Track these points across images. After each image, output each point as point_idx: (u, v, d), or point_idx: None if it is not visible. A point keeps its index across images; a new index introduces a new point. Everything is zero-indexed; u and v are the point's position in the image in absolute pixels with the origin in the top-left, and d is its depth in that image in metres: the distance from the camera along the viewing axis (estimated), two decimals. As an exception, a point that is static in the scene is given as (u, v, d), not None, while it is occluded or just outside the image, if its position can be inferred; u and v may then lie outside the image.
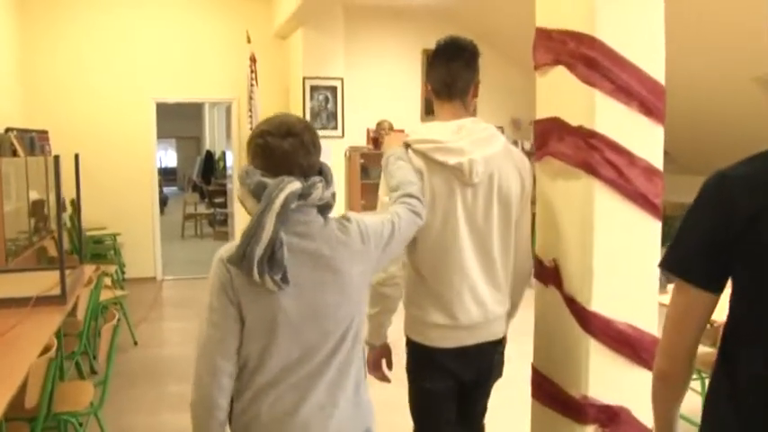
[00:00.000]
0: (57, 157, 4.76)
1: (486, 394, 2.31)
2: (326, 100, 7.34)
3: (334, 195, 1.66)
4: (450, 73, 2.11)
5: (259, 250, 1.48)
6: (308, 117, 7.25)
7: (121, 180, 7.69)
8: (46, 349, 2.81)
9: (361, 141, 8.31)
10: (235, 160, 8.08)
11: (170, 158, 23.70)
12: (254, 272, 1.49)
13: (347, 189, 7.78)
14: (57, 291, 3.62)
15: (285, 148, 1.58)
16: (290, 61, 7.93)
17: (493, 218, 2.09)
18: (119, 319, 3.31)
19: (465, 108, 2.16)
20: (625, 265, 2.17)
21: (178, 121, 19.40)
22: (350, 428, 1.69)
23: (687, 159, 8.51)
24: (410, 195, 1.92)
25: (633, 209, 2.14)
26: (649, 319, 2.20)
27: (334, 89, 7.36)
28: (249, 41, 7.45)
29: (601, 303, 2.14)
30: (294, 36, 7.67)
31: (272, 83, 7.94)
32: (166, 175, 22.53)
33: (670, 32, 2.24)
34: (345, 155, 7.90)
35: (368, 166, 8.24)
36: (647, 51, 2.15)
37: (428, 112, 8.68)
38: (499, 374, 2.29)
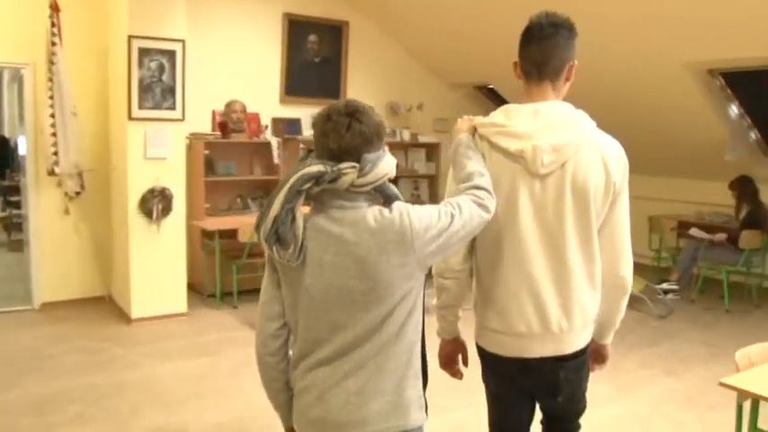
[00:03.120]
0: None
1: (566, 404, 2.05)
2: (161, 69, 5.44)
3: (382, 185, 1.64)
4: (542, 51, 1.92)
5: (266, 225, 1.56)
6: (135, 90, 5.30)
7: None
8: None
9: (206, 126, 6.48)
10: (29, 147, 5.87)
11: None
12: (263, 243, 1.58)
13: (188, 187, 5.89)
14: None
15: (321, 130, 1.62)
16: (109, 14, 5.88)
17: (566, 215, 1.87)
18: None
19: (554, 91, 1.95)
20: None
21: (-32, 98, 16.14)
22: (383, 423, 1.64)
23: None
24: (478, 187, 1.78)
25: None
26: None
27: (171, 55, 5.46)
28: (48, -17, 5.38)
29: None
30: (114, -19, 5.65)
31: (83, 43, 5.83)
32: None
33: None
34: (186, 144, 6.04)
35: (214, 158, 6.42)
36: None
37: (289, 91, 7.01)
38: (574, 393, 2.04)
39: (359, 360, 1.63)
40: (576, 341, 1.95)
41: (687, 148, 6.71)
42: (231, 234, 5.84)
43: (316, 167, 1.56)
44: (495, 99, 8.66)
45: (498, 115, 1.95)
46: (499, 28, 6.62)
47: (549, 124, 1.86)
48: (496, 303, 1.94)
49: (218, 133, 6.34)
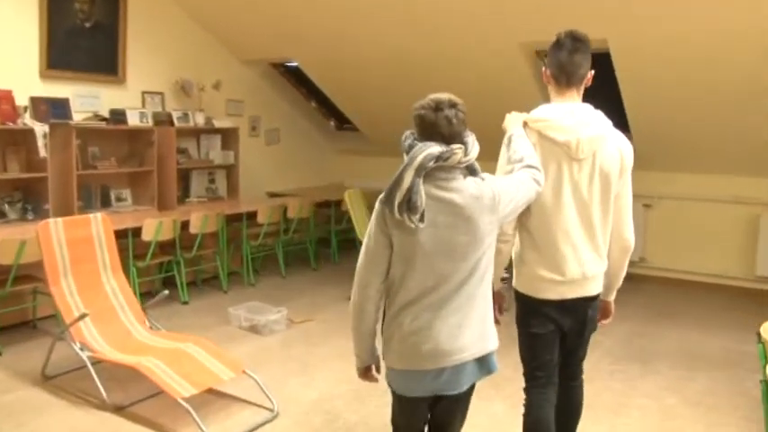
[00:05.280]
0: None
1: (584, 342, 2.64)
2: None
3: (472, 161, 2.06)
4: (574, 63, 2.39)
5: (399, 196, 1.94)
6: None
7: None
8: None
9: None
10: None
11: None
12: (395, 211, 1.96)
13: None
14: None
15: (432, 119, 2.01)
16: None
17: (594, 190, 2.39)
18: None
19: (578, 94, 2.46)
20: None
21: None
22: (473, 348, 2.11)
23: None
24: (531, 166, 2.26)
25: None
26: None
27: None
28: None
29: None
30: None
31: None
32: None
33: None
34: None
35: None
36: None
37: (52, 64, 5.47)
38: (594, 327, 2.61)
39: (458, 302, 2.06)
40: (597, 285, 2.53)
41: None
42: (-16, 255, 4.31)
43: (437, 149, 1.96)
44: (294, 78, 7.82)
45: (543, 112, 2.43)
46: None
47: (584, 121, 2.37)
48: (546, 257, 2.43)
49: (-43, 118, 4.68)
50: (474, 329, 2.10)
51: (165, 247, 5.66)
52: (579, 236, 2.41)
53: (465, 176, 2.06)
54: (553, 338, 2.53)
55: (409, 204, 1.93)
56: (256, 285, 6.38)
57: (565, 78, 2.40)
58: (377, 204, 2.05)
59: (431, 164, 1.94)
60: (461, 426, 2.34)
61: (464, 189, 2.02)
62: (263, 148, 7.68)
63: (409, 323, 2.07)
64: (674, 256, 6.63)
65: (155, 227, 5.29)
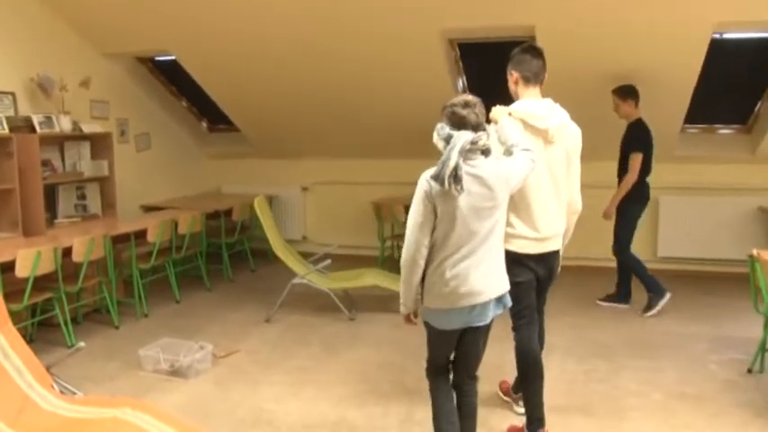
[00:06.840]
0: None
1: (548, 287, 3.31)
2: None
3: (489, 145, 2.59)
4: (539, 66, 3.10)
5: (448, 171, 2.43)
6: None
7: None
8: None
9: None
10: None
11: None
12: (445, 184, 2.44)
13: None
14: None
15: (463, 114, 2.57)
16: None
17: (561, 166, 3.08)
18: None
19: (540, 92, 3.12)
20: None
21: None
22: (495, 288, 2.66)
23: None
24: (527, 149, 2.85)
25: None
26: None
27: None
28: None
29: None
30: None
31: None
32: None
33: None
34: None
35: None
36: None
37: None
38: (556, 275, 3.28)
39: (483, 252, 2.61)
40: (560, 241, 3.21)
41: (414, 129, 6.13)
42: None
43: (470, 135, 2.51)
44: (163, 75, 6.86)
45: (524, 105, 3.06)
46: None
47: (553, 113, 3.06)
48: (527, 220, 3.05)
49: None
50: (495, 274, 2.68)
51: (38, 281, 4.59)
52: (550, 202, 3.07)
53: (486, 156, 2.60)
54: (532, 285, 3.15)
55: (455, 178, 2.43)
56: (150, 316, 5.45)
57: (534, 79, 3.10)
58: (422, 182, 2.53)
59: (468, 147, 2.49)
60: (483, 351, 2.85)
61: (487, 166, 2.59)
62: (133, 155, 6.64)
63: (450, 270, 2.58)
64: (584, 244, 6.57)
65: (32, 259, 4.24)
